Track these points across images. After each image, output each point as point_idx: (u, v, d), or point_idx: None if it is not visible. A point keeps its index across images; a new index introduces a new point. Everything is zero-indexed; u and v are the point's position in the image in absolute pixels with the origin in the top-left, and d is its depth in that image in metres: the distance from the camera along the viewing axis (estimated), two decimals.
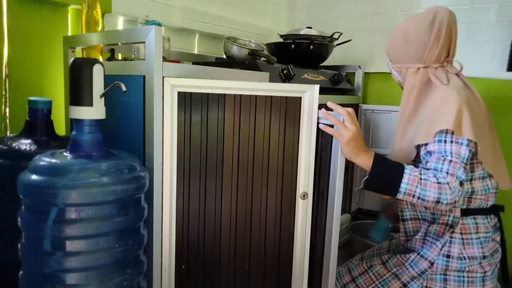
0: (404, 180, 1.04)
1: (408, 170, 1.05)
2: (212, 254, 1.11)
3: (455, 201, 1.02)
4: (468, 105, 1.11)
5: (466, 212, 1.18)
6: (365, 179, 1.10)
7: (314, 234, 1.22)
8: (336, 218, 1.15)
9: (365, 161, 1.09)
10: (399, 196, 1.05)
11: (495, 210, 1.23)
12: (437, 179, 1.03)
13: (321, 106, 1.17)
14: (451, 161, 1.04)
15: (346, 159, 1.13)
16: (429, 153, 1.09)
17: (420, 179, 1.03)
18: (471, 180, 1.17)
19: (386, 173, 1.07)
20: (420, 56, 1.21)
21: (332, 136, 1.13)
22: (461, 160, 1.05)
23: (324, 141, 1.19)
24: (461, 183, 1.03)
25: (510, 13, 1.70)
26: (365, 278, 1.30)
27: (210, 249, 1.11)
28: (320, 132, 1.18)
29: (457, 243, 1.17)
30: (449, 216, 1.19)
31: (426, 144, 1.11)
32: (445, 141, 1.07)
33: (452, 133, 1.07)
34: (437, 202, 1.02)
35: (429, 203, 1.03)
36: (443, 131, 1.07)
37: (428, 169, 1.06)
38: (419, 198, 1.03)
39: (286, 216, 1.18)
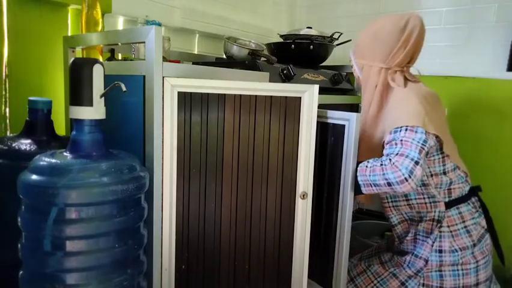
0: (357, 173, 1.12)
1: (361, 164, 1.12)
2: (212, 253, 1.11)
3: (406, 179, 1.01)
4: (427, 103, 1.15)
5: (449, 204, 1.21)
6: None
7: (328, 230, 1.26)
8: (348, 214, 1.19)
9: None
10: (364, 190, 1.11)
11: (473, 193, 1.26)
12: (381, 162, 1.07)
13: (321, 106, 1.18)
14: (402, 141, 1.07)
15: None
16: (388, 144, 1.13)
17: (367, 166, 1.10)
18: (445, 172, 1.20)
19: (354, 174, 1.15)
20: (385, 57, 1.24)
21: (343, 136, 1.18)
22: (416, 141, 1.06)
23: (334, 141, 1.23)
24: (417, 162, 1.02)
25: (510, 13, 1.70)
26: (364, 278, 1.30)
27: (210, 249, 1.11)
28: (329, 132, 1.23)
29: (446, 236, 1.20)
30: (434, 212, 1.21)
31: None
32: (400, 131, 1.10)
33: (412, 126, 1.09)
34: (389, 184, 1.04)
35: (384, 188, 1.06)
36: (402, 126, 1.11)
37: (381, 157, 1.11)
38: (373, 185, 1.08)
39: (286, 216, 1.18)
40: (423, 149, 1.05)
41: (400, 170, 1.02)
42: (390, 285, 1.24)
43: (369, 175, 1.08)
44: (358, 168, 1.13)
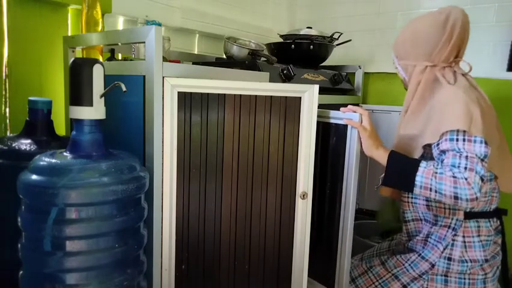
0: (419, 173, 1.04)
1: (424, 164, 1.05)
2: (212, 253, 1.11)
3: (476, 198, 0.99)
4: (477, 104, 1.10)
5: (469, 216, 1.17)
6: (382, 175, 1.11)
7: (330, 229, 1.26)
8: (351, 214, 1.19)
9: (382, 155, 1.12)
10: (416, 190, 1.05)
11: (498, 213, 1.22)
12: (453, 173, 1.01)
13: (321, 106, 1.18)
14: (467, 156, 1.03)
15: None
16: (443, 152, 1.08)
17: (436, 172, 1.03)
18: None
19: (402, 167, 1.09)
20: (429, 54, 1.19)
21: (345, 137, 1.17)
22: (477, 156, 1.03)
23: (335, 142, 1.23)
24: (482, 179, 1.01)
25: (510, 13, 1.70)
26: (365, 279, 1.30)
27: (210, 249, 1.11)
28: (332, 132, 1.22)
29: (459, 246, 1.17)
30: (452, 219, 1.18)
31: (438, 144, 1.10)
32: (457, 140, 1.06)
33: (464, 132, 1.05)
34: (456, 198, 1.00)
35: (447, 199, 1.01)
36: (453, 130, 1.06)
37: (445, 165, 1.05)
38: (436, 191, 1.02)
39: (286, 216, 1.18)
40: (484, 164, 1.03)
41: (473, 188, 0.99)
42: (391, 287, 1.23)
43: (435, 181, 1.02)
44: (422, 167, 1.05)
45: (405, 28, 1.26)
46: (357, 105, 1.93)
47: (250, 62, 1.48)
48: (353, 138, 1.17)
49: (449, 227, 1.19)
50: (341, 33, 1.82)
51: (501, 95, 1.71)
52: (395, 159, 1.10)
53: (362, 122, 1.16)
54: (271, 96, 1.11)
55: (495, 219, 1.21)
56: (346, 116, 1.17)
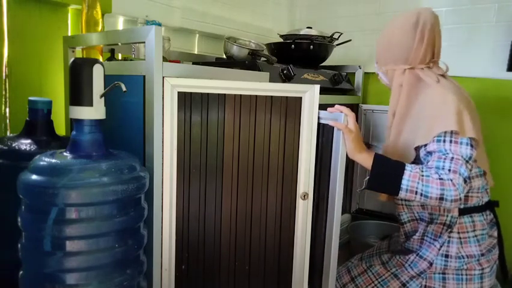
0: (405, 176, 1.03)
1: (409, 167, 1.05)
2: (212, 254, 1.11)
3: (460, 198, 1.01)
4: (465, 104, 1.11)
5: (463, 211, 1.18)
6: (366, 178, 1.10)
7: (314, 235, 1.23)
8: (336, 218, 1.15)
9: (366, 159, 1.10)
10: (402, 194, 1.04)
11: (490, 206, 1.24)
12: (439, 175, 1.02)
13: (321, 106, 1.17)
14: (452, 158, 1.04)
15: (346, 159, 1.13)
16: (430, 153, 1.09)
17: (422, 175, 1.03)
18: (469, 177, 1.16)
19: (387, 171, 1.07)
20: (405, 57, 1.21)
21: (332, 137, 1.14)
22: (463, 158, 1.04)
23: (324, 142, 1.19)
24: (465, 181, 1.02)
25: (510, 13, 1.70)
26: (364, 278, 1.30)
27: (210, 249, 1.11)
28: (320, 133, 1.19)
29: (455, 242, 1.18)
30: (447, 216, 1.19)
31: (425, 145, 1.11)
32: (444, 141, 1.07)
33: (451, 133, 1.06)
34: (441, 199, 1.01)
35: (432, 201, 1.02)
36: (441, 132, 1.07)
37: (430, 168, 1.06)
38: (421, 195, 1.02)
39: (287, 216, 1.18)
40: (468, 166, 1.04)
41: (457, 189, 1.00)
42: (391, 286, 1.24)
43: (422, 184, 1.02)
44: (408, 170, 1.04)
45: (381, 33, 1.27)
46: (356, 105, 1.95)
47: (250, 62, 1.48)
48: (338, 139, 1.13)
49: (444, 224, 1.20)
50: (341, 33, 1.82)
51: (501, 95, 1.71)
52: (379, 163, 1.09)
53: (347, 124, 1.12)
54: (271, 96, 1.11)
55: (488, 212, 1.23)
56: (332, 116, 1.14)
